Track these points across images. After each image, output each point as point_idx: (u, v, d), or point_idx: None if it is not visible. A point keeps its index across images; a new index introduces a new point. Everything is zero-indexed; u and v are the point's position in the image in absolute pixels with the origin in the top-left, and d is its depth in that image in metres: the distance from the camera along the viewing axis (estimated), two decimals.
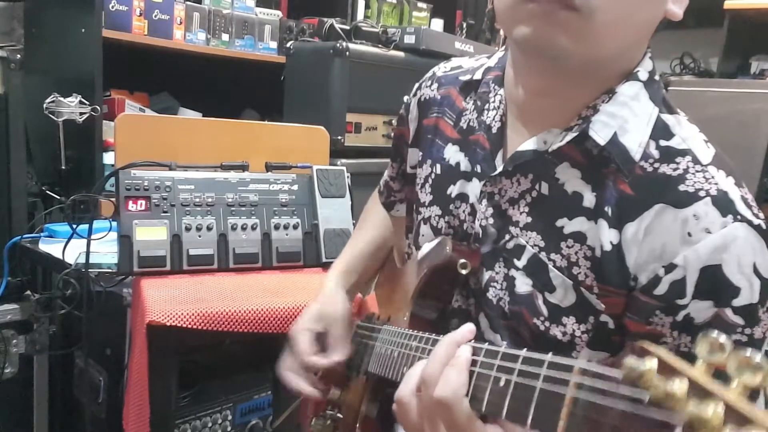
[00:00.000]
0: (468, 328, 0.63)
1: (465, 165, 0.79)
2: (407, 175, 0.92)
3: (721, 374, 0.38)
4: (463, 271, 0.73)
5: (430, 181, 0.84)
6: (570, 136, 0.66)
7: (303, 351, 0.90)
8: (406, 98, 0.92)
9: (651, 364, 0.39)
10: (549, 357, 0.50)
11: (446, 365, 0.59)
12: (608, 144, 0.65)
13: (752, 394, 0.36)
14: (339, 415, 0.88)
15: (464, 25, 3.15)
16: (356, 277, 1.02)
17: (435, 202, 0.82)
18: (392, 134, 1.00)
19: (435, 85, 0.87)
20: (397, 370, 0.74)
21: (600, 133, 0.65)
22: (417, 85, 0.91)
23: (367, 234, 1.06)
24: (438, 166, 0.83)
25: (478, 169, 0.76)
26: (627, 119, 0.66)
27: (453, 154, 0.81)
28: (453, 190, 0.79)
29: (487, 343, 0.59)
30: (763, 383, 0.35)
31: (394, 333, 0.79)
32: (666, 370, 0.39)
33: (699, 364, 0.38)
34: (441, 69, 0.89)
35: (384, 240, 1.04)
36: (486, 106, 0.77)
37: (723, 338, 0.37)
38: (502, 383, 0.53)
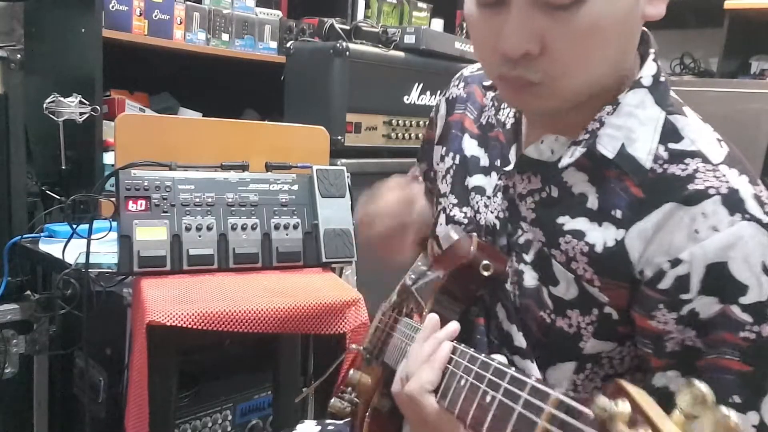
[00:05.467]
0: (453, 326, 0.68)
1: (484, 160, 0.82)
2: (430, 177, 0.96)
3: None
4: (486, 273, 0.73)
5: (451, 172, 0.87)
6: (579, 151, 0.67)
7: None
8: (436, 99, 0.95)
9: (623, 407, 0.37)
10: (532, 381, 0.50)
11: (425, 362, 0.65)
12: (617, 157, 0.65)
13: None
14: (356, 399, 0.89)
15: (464, 25, 3.14)
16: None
17: (452, 192, 0.85)
18: (422, 138, 1.04)
19: (462, 84, 0.91)
20: (400, 361, 0.75)
21: (608, 147, 0.66)
22: (448, 85, 0.95)
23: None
24: (458, 157, 0.86)
25: (498, 163, 0.79)
26: (633, 129, 0.66)
27: (472, 147, 0.84)
28: (470, 181, 0.82)
29: (472, 349, 0.62)
30: None
31: (410, 326, 0.81)
32: (639, 413, 0.37)
33: (676, 414, 0.37)
34: (469, 69, 0.93)
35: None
36: (502, 105, 0.81)
37: (705, 388, 0.36)
38: (475, 390, 0.57)
